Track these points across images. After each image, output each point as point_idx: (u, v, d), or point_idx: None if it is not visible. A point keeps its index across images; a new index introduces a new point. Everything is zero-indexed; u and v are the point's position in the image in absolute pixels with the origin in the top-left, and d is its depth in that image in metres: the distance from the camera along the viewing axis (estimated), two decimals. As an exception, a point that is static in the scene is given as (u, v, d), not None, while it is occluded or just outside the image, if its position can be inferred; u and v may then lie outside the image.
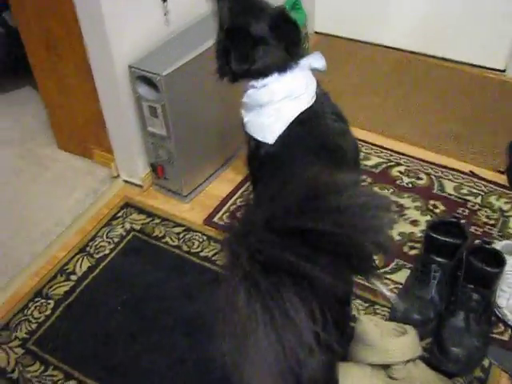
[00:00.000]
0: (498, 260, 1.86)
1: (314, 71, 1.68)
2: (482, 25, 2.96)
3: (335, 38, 3.35)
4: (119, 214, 2.32)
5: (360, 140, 2.56)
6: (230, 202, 2.34)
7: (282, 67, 1.61)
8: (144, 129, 2.22)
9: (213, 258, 2.13)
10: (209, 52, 2.12)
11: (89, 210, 2.33)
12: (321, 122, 1.61)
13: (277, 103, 1.60)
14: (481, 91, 2.95)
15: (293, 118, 1.57)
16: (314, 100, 1.61)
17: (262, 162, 1.63)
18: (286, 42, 1.64)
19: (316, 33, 3.42)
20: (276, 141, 1.58)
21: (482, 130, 2.69)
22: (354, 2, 3.19)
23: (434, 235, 1.90)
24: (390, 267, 2.07)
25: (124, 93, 2.15)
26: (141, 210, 2.33)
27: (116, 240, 2.21)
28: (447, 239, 1.91)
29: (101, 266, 2.13)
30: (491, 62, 3.06)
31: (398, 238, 2.17)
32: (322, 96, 1.66)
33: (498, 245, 2.02)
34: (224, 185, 2.42)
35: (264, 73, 1.61)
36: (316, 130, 1.59)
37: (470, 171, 2.45)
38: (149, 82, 2.06)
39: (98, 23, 2.00)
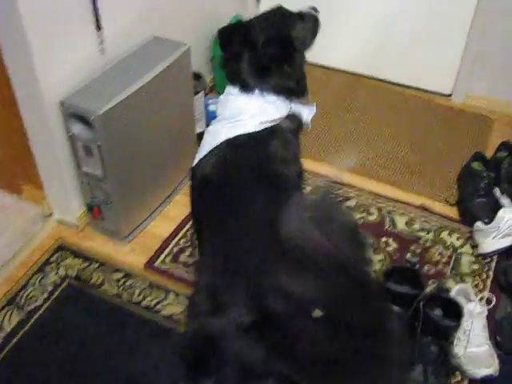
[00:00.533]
0: (455, 309, 1.79)
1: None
2: (429, 50, 2.92)
3: None
4: (53, 259, 2.14)
5: (306, 171, 2.47)
6: (173, 242, 2.20)
7: (246, 85, 1.57)
8: (79, 168, 2.05)
9: (155, 308, 1.98)
10: (148, 85, 1.99)
11: (18, 254, 2.14)
12: (260, 148, 1.53)
13: (219, 122, 1.57)
14: (428, 116, 2.91)
15: (219, 143, 1.52)
16: (260, 128, 1.54)
17: (200, 188, 1.55)
18: (269, 67, 1.58)
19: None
20: (212, 165, 1.51)
21: (432, 158, 2.64)
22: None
23: (390, 285, 1.81)
24: (343, 313, 1.97)
25: (55, 129, 1.98)
26: (76, 254, 2.16)
27: (49, 289, 2.04)
28: (403, 290, 1.83)
29: (32, 320, 1.95)
30: (438, 87, 3.03)
31: (350, 280, 2.08)
32: (278, 128, 1.58)
33: (453, 289, 1.96)
34: (166, 223, 2.27)
35: (231, 78, 1.60)
36: (254, 156, 1.52)
37: (421, 204, 2.38)
38: (83, 119, 1.89)
39: (22, 52, 1.82)
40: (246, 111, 1.55)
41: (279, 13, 1.69)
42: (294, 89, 1.64)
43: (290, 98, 1.62)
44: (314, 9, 1.76)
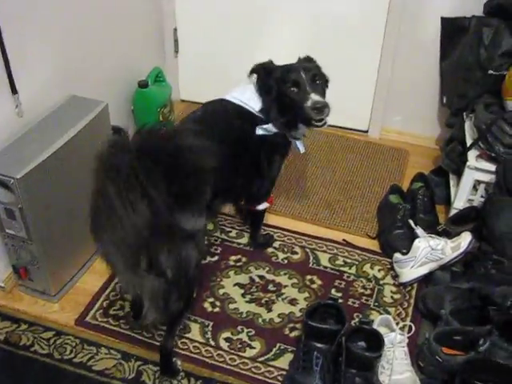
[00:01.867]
0: (377, 340, 1.87)
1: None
2: (343, 88, 3.04)
3: (199, 105, 3.26)
4: (-20, 324, 2.12)
5: (230, 215, 2.57)
6: (103, 296, 2.22)
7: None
8: (1, 230, 2.05)
9: (88, 364, 1.99)
10: (67, 145, 2.03)
11: None
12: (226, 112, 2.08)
13: None
14: (347, 152, 3.04)
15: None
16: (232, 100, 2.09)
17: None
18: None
19: (182, 100, 3.43)
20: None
21: (352, 194, 2.76)
22: (214, 71, 3.25)
23: (312, 323, 1.88)
24: (272, 353, 2.03)
25: (-25, 194, 1.99)
26: (4, 316, 2.14)
27: (-23, 355, 2.02)
28: (325, 326, 1.90)
29: (-39, 389, 1.93)
30: (355, 124, 3.18)
31: (278, 319, 2.14)
32: (250, 115, 2.06)
33: (376, 320, 2.05)
34: (94, 278, 2.29)
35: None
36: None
37: (343, 240, 2.48)
38: (3, 184, 1.91)
39: None
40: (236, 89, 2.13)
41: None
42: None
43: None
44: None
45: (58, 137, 2.04)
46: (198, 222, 1.67)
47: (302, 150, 2.20)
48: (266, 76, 2.05)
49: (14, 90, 2.04)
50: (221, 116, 2.08)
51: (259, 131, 2.06)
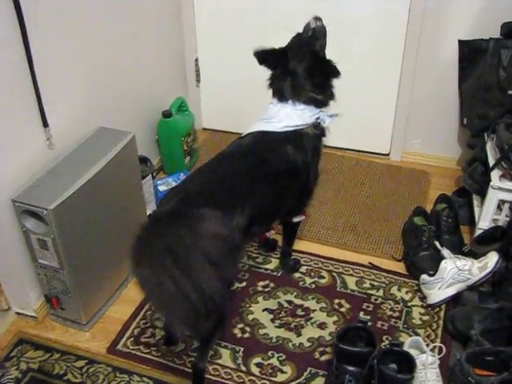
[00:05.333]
0: (408, 362, 1.87)
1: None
2: (364, 114, 3.10)
3: (221, 133, 3.43)
4: (13, 353, 2.14)
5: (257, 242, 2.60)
6: (134, 324, 2.24)
7: (283, 98, 2.07)
8: (34, 260, 2.09)
9: (120, 392, 2.02)
10: (97, 176, 2.08)
11: (-22, 352, 2.15)
12: (274, 144, 2.02)
13: (258, 121, 2.09)
14: (369, 176, 3.06)
15: (251, 131, 2.06)
16: (282, 130, 2.03)
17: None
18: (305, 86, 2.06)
19: (204, 129, 3.49)
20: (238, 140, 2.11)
21: (375, 217, 2.77)
22: (235, 100, 3.30)
23: (343, 346, 1.89)
24: (303, 377, 2.04)
25: (9, 226, 2.03)
26: (38, 346, 2.17)
27: (12, 385, 2.05)
28: (356, 349, 1.91)
29: (-3, 419, 1.96)
30: (376, 148, 3.20)
31: (308, 344, 2.15)
32: (300, 135, 2.04)
33: (406, 342, 2.04)
34: (125, 306, 2.32)
35: (275, 93, 2.12)
36: (263, 146, 2.01)
37: (370, 263, 2.49)
38: (36, 214, 1.96)
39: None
40: (277, 116, 2.05)
41: (303, 42, 2.12)
42: (322, 101, 2.10)
43: (319, 107, 2.08)
44: (317, 18, 2.13)
45: (89, 167, 2.09)
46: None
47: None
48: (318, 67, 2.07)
49: (45, 124, 2.10)
50: (265, 151, 2.01)
51: (329, 122, 2.12)
